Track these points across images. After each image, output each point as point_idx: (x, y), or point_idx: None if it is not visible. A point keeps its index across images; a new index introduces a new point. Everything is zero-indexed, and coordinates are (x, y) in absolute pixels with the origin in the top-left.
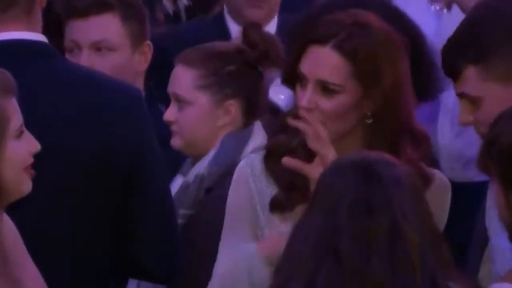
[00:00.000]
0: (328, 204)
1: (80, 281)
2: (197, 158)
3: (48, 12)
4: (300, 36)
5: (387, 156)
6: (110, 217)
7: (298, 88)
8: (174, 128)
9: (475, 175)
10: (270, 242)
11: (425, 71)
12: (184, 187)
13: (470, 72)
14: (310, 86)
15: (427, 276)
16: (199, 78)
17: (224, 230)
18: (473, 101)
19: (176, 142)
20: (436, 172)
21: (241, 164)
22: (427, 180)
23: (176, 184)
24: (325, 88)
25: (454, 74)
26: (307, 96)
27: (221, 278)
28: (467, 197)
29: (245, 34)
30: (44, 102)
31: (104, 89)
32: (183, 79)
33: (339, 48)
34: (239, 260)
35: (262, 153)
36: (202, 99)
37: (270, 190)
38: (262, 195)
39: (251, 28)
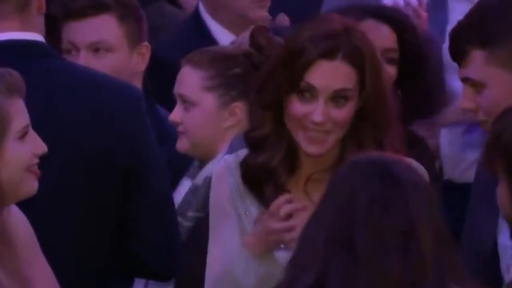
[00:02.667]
0: (343, 197)
1: (83, 280)
2: (203, 160)
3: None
4: (296, 51)
5: (404, 160)
6: (112, 216)
7: (294, 100)
8: (180, 129)
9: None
10: (255, 237)
11: (431, 86)
12: (193, 190)
13: (476, 56)
14: (321, 99)
15: (438, 277)
16: (206, 79)
17: (211, 229)
18: (476, 86)
19: (182, 144)
20: (411, 161)
21: (220, 166)
22: None
23: (183, 187)
24: (338, 99)
25: (460, 57)
26: (321, 110)
27: (212, 280)
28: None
29: (252, 37)
30: (42, 102)
31: (103, 89)
32: (190, 80)
33: (348, 57)
34: (226, 259)
35: (240, 159)
36: (208, 101)
37: (251, 198)
38: (244, 200)
39: (258, 32)
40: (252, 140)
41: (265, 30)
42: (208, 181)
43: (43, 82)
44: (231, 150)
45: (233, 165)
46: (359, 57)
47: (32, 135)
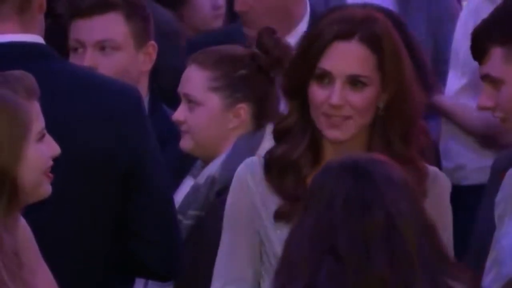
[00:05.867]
0: (321, 205)
1: (84, 280)
2: (206, 160)
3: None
4: (313, 36)
5: (377, 156)
6: (112, 216)
7: (314, 86)
8: (183, 128)
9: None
10: None
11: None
12: (195, 189)
13: (496, 53)
14: (338, 82)
15: (426, 268)
16: (212, 79)
17: (224, 232)
18: (495, 83)
19: (186, 143)
20: (433, 168)
21: (241, 167)
22: (422, 175)
23: (186, 185)
24: (355, 82)
25: (481, 54)
26: (338, 92)
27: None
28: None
29: (259, 39)
30: (42, 103)
31: (103, 90)
32: (195, 79)
33: (366, 40)
34: None
35: (261, 158)
36: (213, 101)
37: (272, 195)
38: (264, 198)
39: (266, 34)
40: (277, 131)
41: (272, 32)
42: (209, 181)
43: (43, 83)
44: (234, 150)
45: (255, 161)
46: (378, 43)
47: (48, 137)
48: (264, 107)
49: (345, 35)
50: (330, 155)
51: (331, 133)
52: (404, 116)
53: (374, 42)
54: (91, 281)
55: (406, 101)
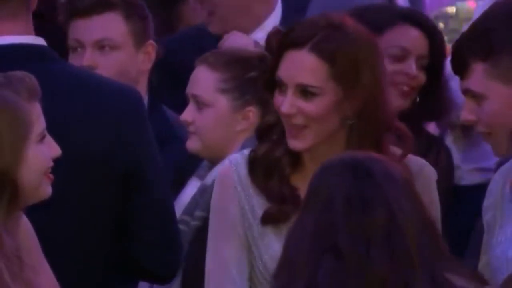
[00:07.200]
0: (321, 203)
1: (83, 280)
2: (213, 161)
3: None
4: (277, 44)
5: (376, 154)
6: (112, 216)
7: (276, 93)
8: (191, 129)
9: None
10: None
11: (441, 92)
12: (202, 190)
13: (478, 68)
14: (289, 91)
15: (426, 267)
16: (221, 81)
17: (210, 232)
18: (477, 98)
19: (193, 144)
20: (417, 161)
21: (225, 166)
22: (406, 172)
23: (191, 187)
24: (305, 92)
25: (462, 69)
26: (288, 101)
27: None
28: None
29: (268, 42)
30: (42, 104)
31: (103, 90)
32: (205, 81)
33: (317, 50)
34: None
35: (246, 157)
36: (222, 103)
37: (257, 197)
38: (250, 198)
39: (274, 36)
40: (259, 130)
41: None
42: None
43: (43, 84)
44: None
45: (239, 161)
46: (331, 52)
47: (48, 138)
48: (272, 109)
49: (297, 44)
50: (307, 158)
51: (291, 143)
52: (376, 124)
53: (325, 52)
54: (91, 281)
55: (378, 109)
